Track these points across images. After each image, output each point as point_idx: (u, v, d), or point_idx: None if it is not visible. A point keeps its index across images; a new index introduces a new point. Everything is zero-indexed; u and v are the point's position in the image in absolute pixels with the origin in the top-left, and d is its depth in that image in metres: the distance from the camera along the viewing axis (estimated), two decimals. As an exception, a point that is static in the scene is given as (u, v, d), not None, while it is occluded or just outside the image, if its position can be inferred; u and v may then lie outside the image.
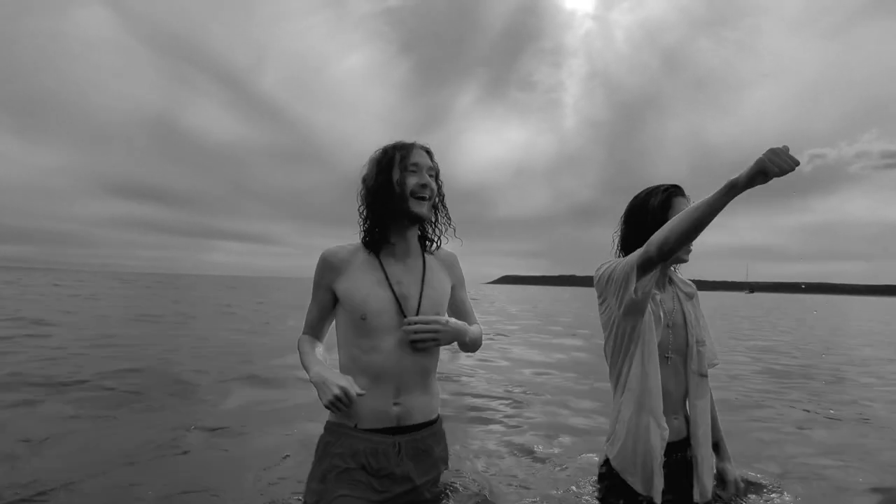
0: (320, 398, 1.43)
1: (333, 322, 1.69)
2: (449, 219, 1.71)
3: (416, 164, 1.58)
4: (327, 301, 1.64)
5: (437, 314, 1.62)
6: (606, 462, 1.71)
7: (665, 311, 1.71)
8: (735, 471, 1.81)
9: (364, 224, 1.63)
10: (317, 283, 1.63)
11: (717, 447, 1.82)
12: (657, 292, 1.70)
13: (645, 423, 1.60)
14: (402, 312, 1.56)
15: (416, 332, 1.53)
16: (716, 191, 1.34)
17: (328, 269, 1.61)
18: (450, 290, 1.73)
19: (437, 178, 1.64)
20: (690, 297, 1.80)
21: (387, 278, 1.59)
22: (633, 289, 1.56)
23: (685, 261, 1.75)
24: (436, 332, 1.55)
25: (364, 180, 1.62)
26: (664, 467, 1.61)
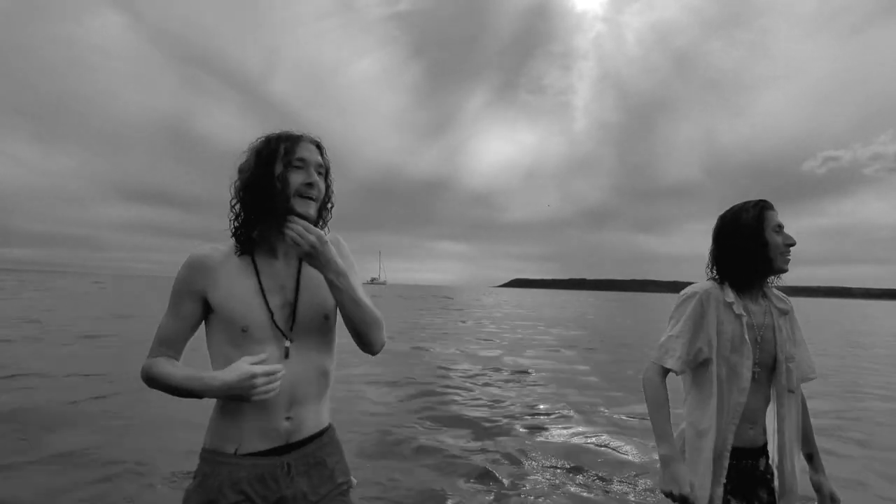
0: (245, 396, 1.24)
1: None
2: (326, 224, 1.47)
3: (302, 160, 1.36)
4: (193, 313, 1.36)
5: (326, 317, 1.42)
6: None
7: (756, 325, 1.74)
8: (830, 484, 1.80)
9: (235, 220, 1.39)
10: (181, 292, 1.36)
11: (810, 459, 1.83)
12: (751, 305, 1.76)
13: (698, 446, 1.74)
14: (277, 325, 1.35)
15: (294, 235, 1.30)
16: (656, 427, 1.67)
17: (200, 274, 1.34)
18: (330, 297, 1.45)
19: (326, 176, 1.43)
20: (784, 312, 1.81)
21: (260, 284, 1.36)
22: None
23: (785, 270, 1.75)
24: (312, 245, 1.30)
25: (240, 171, 1.38)
26: (732, 471, 1.70)
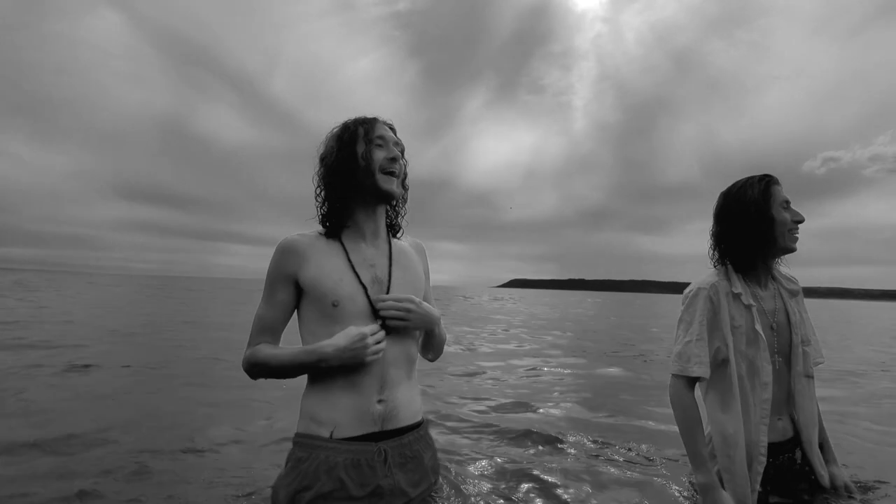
0: (359, 358, 1.29)
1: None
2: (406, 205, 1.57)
3: (382, 138, 1.44)
4: (288, 297, 1.42)
5: (416, 296, 1.46)
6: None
7: (767, 312, 1.68)
8: (843, 474, 1.75)
9: (322, 207, 1.46)
10: (275, 278, 1.42)
11: (822, 448, 1.76)
12: (759, 291, 1.69)
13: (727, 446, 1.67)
14: (368, 298, 1.40)
15: (387, 308, 1.36)
16: (697, 464, 1.59)
17: (290, 256, 1.40)
18: (423, 276, 1.55)
19: (403, 154, 1.49)
20: (794, 294, 1.75)
21: (349, 261, 1.41)
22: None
23: (794, 249, 1.69)
24: (407, 311, 1.38)
25: (323, 159, 1.45)
26: (771, 469, 1.64)
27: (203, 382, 4.66)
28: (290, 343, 1.47)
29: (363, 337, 1.29)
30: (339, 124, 1.47)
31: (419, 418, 1.47)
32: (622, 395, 4.95)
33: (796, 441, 1.70)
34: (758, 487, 1.58)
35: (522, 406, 4.19)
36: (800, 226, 1.65)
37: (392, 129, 1.49)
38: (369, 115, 1.49)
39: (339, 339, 1.29)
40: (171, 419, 3.40)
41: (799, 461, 1.69)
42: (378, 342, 1.32)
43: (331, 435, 1.33)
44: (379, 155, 1.42)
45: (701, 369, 1.61)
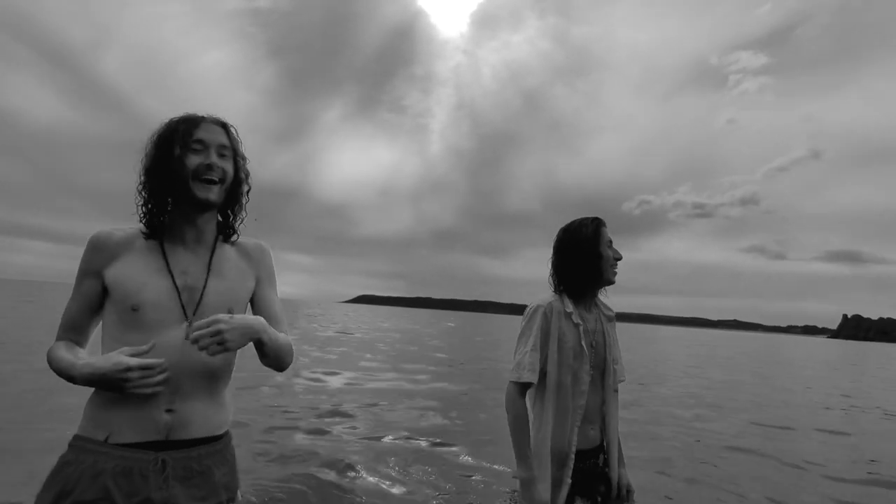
0: (121, 387, 1.14)
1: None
2: (244, 209, 1.42)
3: (200, 141, 1.30)
4: (93, 293, 1.29)
5: (230, 310, 1.31)
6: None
7: (590, 331, 1.93)
8: (626, 475, 2.00)
9: (143, 207, 1.32)
10: (83, 272, 1.29)
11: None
12: (584, 313, 1.94)
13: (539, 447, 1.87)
14: (181, 305, 1.27)
15: (197, 337, 1.17)
16: (521, 460, 1.79)
17: (99, 252, 1.28)
18: (251, 285, 1.42)
19: (235, 158, 1.36)
20: (610, 319, 2.04)
21: (167, 266, 1.29)
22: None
23: (613, 282, 1.97)
24: (219, 332, 1.17)
25: (144, 156, 1.33)
26: (577, 473, 1.85)
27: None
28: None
29: (125, 368, 1.14)
30: (165, 121, 1.33)
31: (220, 432, 1.34)
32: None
33: (600, 448, 1.98)
34: (568, 480, 1.83)
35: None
36: (618, 262, 1.96)
37: (225, 127, 1.36)
38: (207, 111, 1.36)
39: (100, 362, 1.17)
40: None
41: (601, 465, 1.96)
42: (147, 377, 1.16)
43: (105, 439, 1.20)
44: (193, 161, 1.28)
45: (532, 376, 1.82)
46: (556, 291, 1.96)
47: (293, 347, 1.42)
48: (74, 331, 1.32)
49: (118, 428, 1.20)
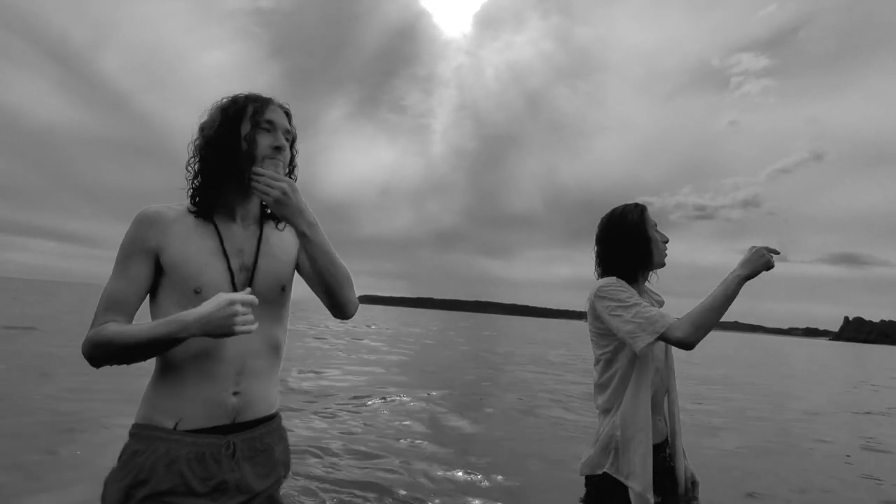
0: (226, 329, 1.08)
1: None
2: None
3: (270, 122, 1.29)
4: (145, 272, 1.21)
5: (283, 287, 1.34)
6: (602, 475, 1.71)
7: None
8: (690, 467, 1.85)
9: (194, 181, 1.29)
10: (131, 251, 1.21)
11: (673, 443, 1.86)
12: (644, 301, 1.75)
13: (637, 439, 1.66)
14: (235, 286, 1.25)
15: (263, 182, 1.20)
16: (728, 285, 1.57)
17: (153, 228, 1.22)
18: (294, 264, 1.41)
19: (292, 144, 1.37)
20: (661, 304, 1.90)
21: (222, 246, 1.26)
22: (639, 347, 1.60)
23: (663, 264, 1.86)
24: (283, 191, 1.19)
25: (202, 129, 1.29)
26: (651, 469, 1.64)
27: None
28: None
29: (231, 303, 1.09)
30: (229, 96, 1.31)
31: (273, 410, 1.35)
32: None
33: (666, 442, 1.83)
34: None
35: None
36: (666, 245, 1.85)
37: (288, 114, 1.35)
38: (265, 93, 1.33)
39: (203, 307, 1.10)
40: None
41: (668, 459, 1.81)
42: (247, 312, 1.12)
43: (175, 426, 1.18)
44: (264, 141, 1.26)
45: (669, 318, 1.62)
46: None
47: (353, 284, 1.36)
48: (122, 312, 1.20)
49: (186, 415, 1.18)
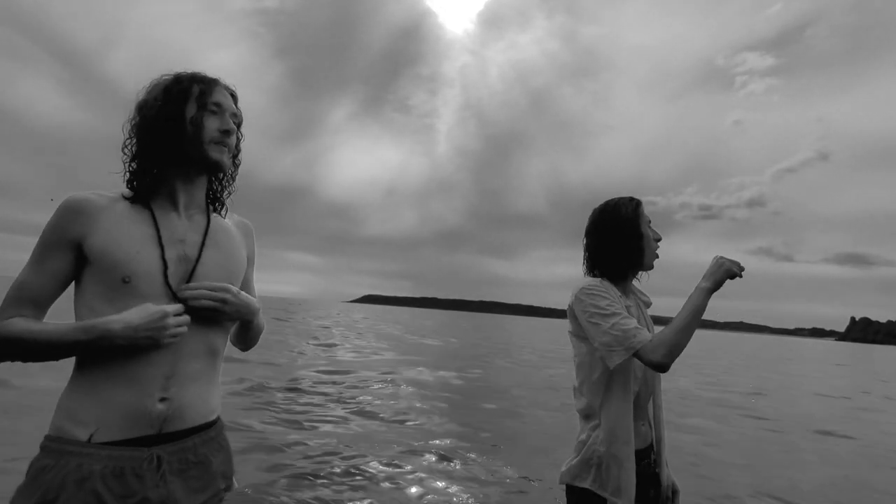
0: (156, 340, 1.04)
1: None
2: (233, 183, 1.32)
3: (218, 105, 1.21)
4: (64, 266, 1.11)
5: (229, 282, 1.23)
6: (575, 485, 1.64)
7: (633, 317, 1.64)
8: (671, 475, 1.77)
9: (130, 164, 1.18)
10: (51, 241, 1.10)
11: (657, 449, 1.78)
12: (624, 300, 1.67)
13: (621, 454, 1.57)
14: (166, 277, 1.14)
15: (198, 296, 1.12)
16: (694, 301, 1.52)
17: (78, 217, 1.10)
18: (244, 260, 1.32)
19: (239, 128, 1.28)
20: (648, 305, 1.82)
21: (158, 234, 1.14)
22: (613, 364, 1.53)
23: (652, 266, 1.75)
24: (223, 301, 1.14)
25: (140, 108, 1.18)
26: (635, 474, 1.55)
27: None
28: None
29: (164, 315, 1.04)
30: (170, 74, 1.22)
31: (212, 418, 1.22)
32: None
33: (651, 447, 1.72)
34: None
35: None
36: (658, 244, 1.75)
37: (234, 96, 1.27)
38: (210, 74, 1.26)
39: (131, 315, 1.03)
40: None
41: (653, 465, 1.71)
42: (180, 325, 1.08)
43: (90, 438, 1.04)
44: (212, 124, 1.19)
45: (645, 334, 1.54)
46: (592, 277, 1.72)
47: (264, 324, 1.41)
48: (34, 306, 1.10)
49: (104, 424, 1.05)
